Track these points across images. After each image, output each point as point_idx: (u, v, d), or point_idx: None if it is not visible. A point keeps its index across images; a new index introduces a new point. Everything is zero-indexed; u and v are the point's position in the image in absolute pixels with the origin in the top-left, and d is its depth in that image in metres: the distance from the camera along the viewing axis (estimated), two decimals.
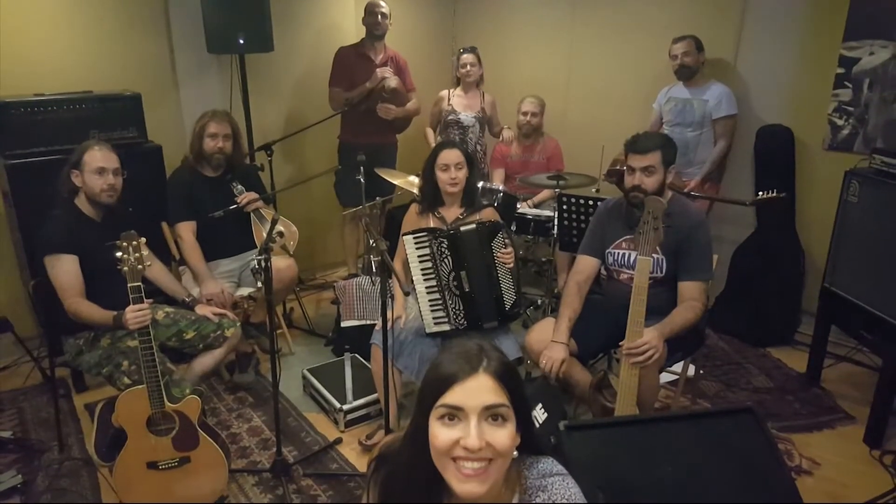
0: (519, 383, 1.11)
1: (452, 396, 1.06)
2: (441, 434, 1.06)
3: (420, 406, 1.11)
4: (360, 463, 2.69)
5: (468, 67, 4.18)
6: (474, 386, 1.06)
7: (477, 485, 1.05)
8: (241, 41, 3.58)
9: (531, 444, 1.17)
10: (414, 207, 2.96)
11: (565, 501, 1.12)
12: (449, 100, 4.29)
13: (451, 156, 2.75)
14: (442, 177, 2.77)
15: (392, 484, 1.19)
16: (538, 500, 1.12)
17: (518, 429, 1.10)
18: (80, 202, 2.64)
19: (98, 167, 2.58)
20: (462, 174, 2.77)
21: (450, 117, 4.25)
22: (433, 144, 4.26)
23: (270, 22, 3.69)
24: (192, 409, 2.26)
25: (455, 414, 1.06)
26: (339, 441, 2.83)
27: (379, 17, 3.97)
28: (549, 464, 1.18)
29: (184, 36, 3.80)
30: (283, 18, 4.07)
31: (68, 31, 3.45)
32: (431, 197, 2.87)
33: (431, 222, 2.85)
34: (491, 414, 1.06)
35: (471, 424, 1.04)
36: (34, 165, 3.04)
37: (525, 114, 4.16)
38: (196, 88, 3.93)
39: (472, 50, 4.22)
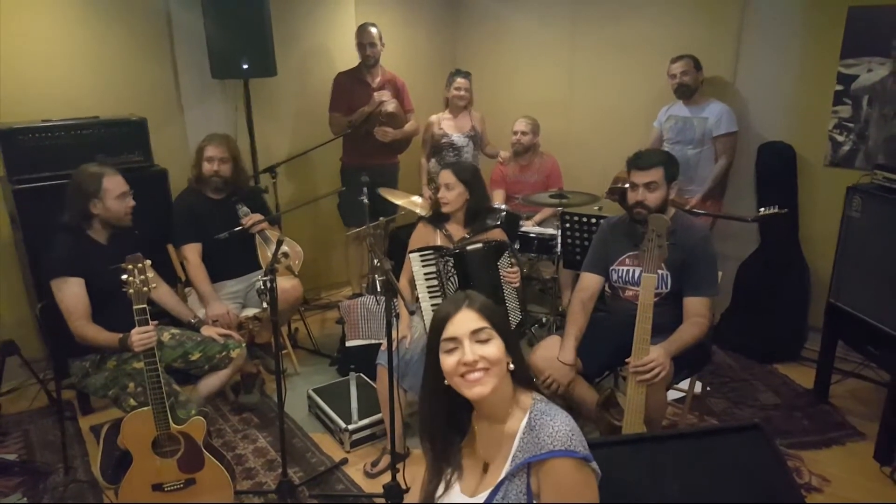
0: (499, 317, 1.44)
1: (448, 331, 1.40)
2: (447, 361, 1.39)
3: (430, 353, 1.44)
4: (366, 484, 2.67)
5: (462, 91, 4.23)
6: (461, 318, 1.40)
7: (480, 388, 1.36)
8: (245, 66, 3.62)
9: (523, 371, 1.45)
10: (421, 225, 3.00)
11: (568, 429, 1.34)
12: (439, 124, 4.33)
13: (442, 176, 2.86)
14: (437, 195, 2.86)
15: (421, 419, 1.52)
16: (545, 419, 1.37)
17: (508, 353, 1.40)
18: (89, 226, 2.66)
19: (121, 192, 2.65)
20: (453, 195, 2.81)
21: (443, 140, 4.29)
22: (426, 174, 4.34)
23: (273, 47, 3.74)
24: (197, 430, 2.27)
25: (454, 345, 1.39)
26: (344, 461, 2.82)
27: (367, 48, 4.01)
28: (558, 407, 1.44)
29: (188, 61, 3.86)
30: (286, 43, 4.12)
31: (74, 59, 3.50)
32: (437, 213, 2.94)
33: (439, 239, 2.88)
34: (478, 337, 1.38)
35: (465, 346, 1.37)
36: (41, 190, 3.07)
37: (515, 133, 4.20)
38: (201, 113, 3.97)
39: (467, 75, 4.27)
